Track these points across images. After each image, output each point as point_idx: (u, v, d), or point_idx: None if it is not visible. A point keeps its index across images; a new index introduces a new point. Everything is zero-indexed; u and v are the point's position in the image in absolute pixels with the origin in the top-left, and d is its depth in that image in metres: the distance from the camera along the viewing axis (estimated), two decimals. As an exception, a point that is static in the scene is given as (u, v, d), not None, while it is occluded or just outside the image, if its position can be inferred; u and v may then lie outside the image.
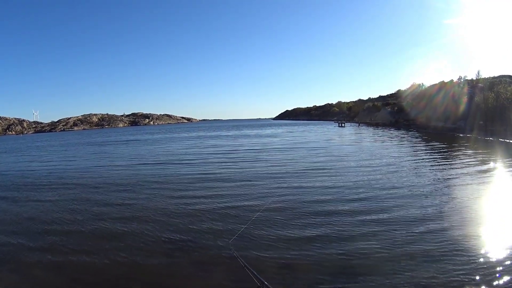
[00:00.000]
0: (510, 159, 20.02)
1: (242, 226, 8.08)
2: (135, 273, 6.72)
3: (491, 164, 18.36)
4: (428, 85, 66.25)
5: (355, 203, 10.96)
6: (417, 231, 8.29)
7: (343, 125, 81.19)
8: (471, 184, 13.72)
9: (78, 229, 9.46)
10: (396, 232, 8.25)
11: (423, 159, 21.12)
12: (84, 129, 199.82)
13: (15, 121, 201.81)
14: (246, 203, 11.48)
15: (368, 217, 9.44)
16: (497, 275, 6.10)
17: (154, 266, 7.00)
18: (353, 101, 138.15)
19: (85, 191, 14.69)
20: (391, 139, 38.24)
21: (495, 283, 5.88)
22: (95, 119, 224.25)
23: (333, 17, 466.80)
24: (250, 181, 15.39)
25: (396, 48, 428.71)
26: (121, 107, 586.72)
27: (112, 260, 7.30)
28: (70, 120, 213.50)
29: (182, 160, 24.79)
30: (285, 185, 14.21)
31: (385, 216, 9.53)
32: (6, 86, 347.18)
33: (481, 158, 20.75)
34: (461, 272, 6.23)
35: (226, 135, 60.66)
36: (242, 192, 13.08)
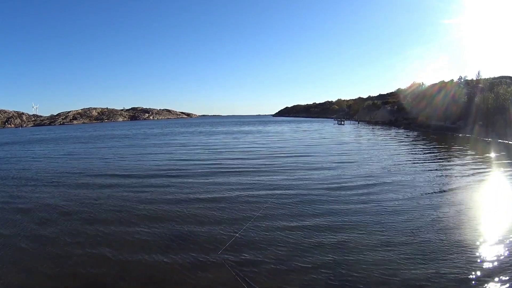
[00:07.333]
0: (508, 160, 20.01)
1: (235, 234, 7.83)
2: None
3: (489, 164, 18.42)
4: (429, 85, 66.20)
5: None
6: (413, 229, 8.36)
7: (342, 123, 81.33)
8: (471, 184, 13.87)
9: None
10: (394, 233, 8.28)
11: (426, 158, 21.10)
12: (83, 123, 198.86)
13: (14, 114, 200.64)
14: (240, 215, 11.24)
15: (367, 214, 9.35)
16: (495, 275, 6.19)
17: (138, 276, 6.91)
18: (353, 99, 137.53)
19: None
20: (393, 139, 38.27)
21: (493, 283, 5.96)
22: (94, 113, 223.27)
23: (333, 15, 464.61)
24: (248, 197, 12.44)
25: (395, 47, 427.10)
26: (121, 102, 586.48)
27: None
28: (69, 114, 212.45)
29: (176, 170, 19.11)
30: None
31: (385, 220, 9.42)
32: (6, 79, 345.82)
33: (480, 158, 20.75)
34: (458, 273, 6.32)
35: (227, 132, 60.21)
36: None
